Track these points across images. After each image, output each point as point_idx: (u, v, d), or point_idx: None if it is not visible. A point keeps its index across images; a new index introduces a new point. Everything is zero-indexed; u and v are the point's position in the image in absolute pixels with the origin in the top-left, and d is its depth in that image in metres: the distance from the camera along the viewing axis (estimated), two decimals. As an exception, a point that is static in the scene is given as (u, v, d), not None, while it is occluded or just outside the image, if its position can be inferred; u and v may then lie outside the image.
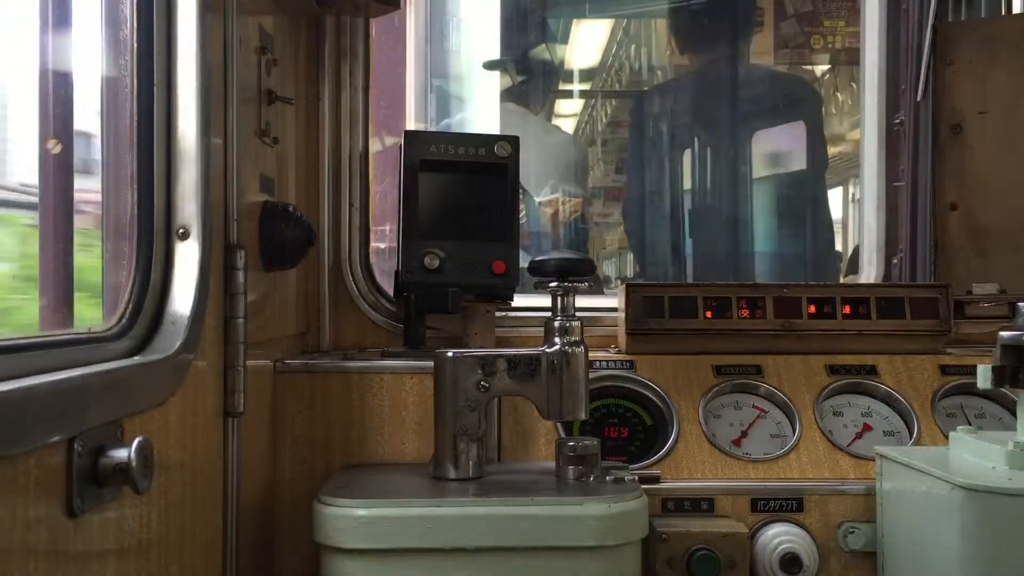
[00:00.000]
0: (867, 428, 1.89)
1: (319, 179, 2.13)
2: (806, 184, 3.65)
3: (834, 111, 4.86)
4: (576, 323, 1.62)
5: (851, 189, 5.51)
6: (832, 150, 4.62)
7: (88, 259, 1.35)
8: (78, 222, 1.35)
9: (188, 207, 1.35)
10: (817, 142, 3.65)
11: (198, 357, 1.34)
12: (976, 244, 2.27)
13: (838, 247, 4.48)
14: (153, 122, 1.32)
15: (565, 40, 5.11)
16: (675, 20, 4.18)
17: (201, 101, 1.35)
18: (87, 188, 1.35)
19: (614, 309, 2.08)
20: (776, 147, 3.79)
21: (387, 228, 2.35)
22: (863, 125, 2.57)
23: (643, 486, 1.57)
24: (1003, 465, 1.46)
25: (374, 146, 2.23)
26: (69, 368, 1.02)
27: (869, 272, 2.51)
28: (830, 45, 4.57)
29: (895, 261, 2.45)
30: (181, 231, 1.34)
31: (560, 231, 4.38)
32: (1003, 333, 1.51)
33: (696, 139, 3.78)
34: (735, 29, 3.77)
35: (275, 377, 1.81)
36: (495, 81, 4.26)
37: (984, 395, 1.91)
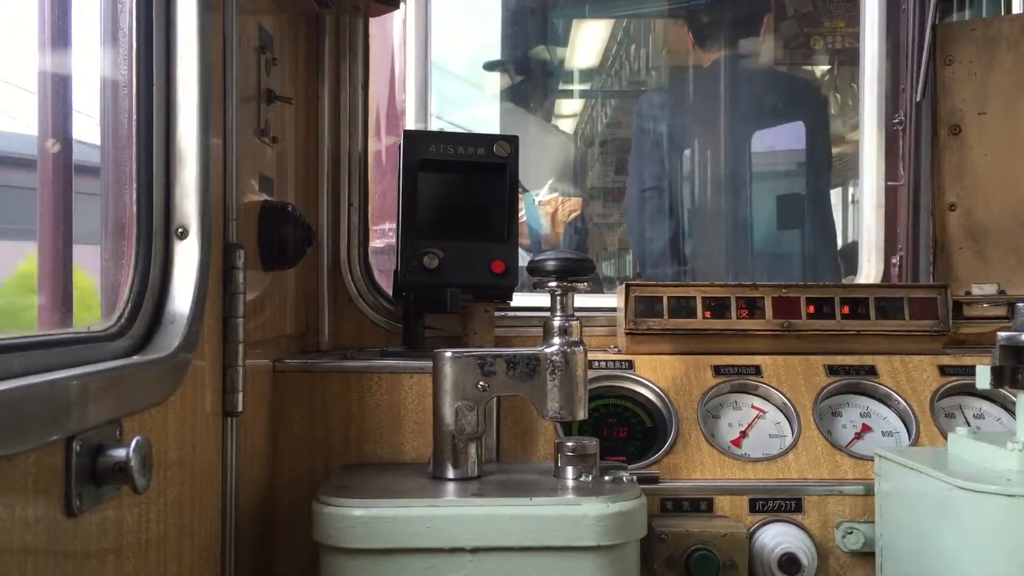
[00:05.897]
0: (866, 428, 1.89)
1: (318, 178, 2.13)
2: (812, 184, 3.66)
3: (833, 112, 4.86)
4: (575, 323, 1.62)
5: (850, 189, 5.53)
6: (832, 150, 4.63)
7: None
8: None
9: (187, 206, 1.35)
10: (822, 142, 3.66)
11: (197, 356, 1.34)
12: (975, 244, 2.27)
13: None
14: (152, 121, 1.32)
15: (565, 41, 5.11)
16: (692, 17, 4.17)
17: (200, 100, 1.35)
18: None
19: (613, 309, 2.08)
20: (779, 147, 3.80)
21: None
22: (862, 125, 2.57)
23: (642, 486, 1.56)
24: (1002, 466, 1.46)
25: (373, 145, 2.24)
26: (68, 367, 1.02)
27: (868, 272, 2.51)
28: (830, 46, 4.56)
29: (894, 261, 2.45)
30: (180, 230, 1.34)
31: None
32: (1002, 333, 1.51)
33: (697, 139, 3.79)
34: (747, 28, 3.79)
35: (274, 377, 1.81)
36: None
37: (983, 396, 1.92)
